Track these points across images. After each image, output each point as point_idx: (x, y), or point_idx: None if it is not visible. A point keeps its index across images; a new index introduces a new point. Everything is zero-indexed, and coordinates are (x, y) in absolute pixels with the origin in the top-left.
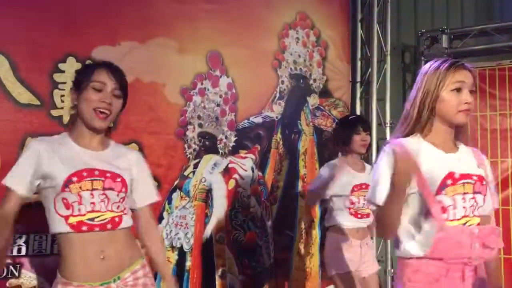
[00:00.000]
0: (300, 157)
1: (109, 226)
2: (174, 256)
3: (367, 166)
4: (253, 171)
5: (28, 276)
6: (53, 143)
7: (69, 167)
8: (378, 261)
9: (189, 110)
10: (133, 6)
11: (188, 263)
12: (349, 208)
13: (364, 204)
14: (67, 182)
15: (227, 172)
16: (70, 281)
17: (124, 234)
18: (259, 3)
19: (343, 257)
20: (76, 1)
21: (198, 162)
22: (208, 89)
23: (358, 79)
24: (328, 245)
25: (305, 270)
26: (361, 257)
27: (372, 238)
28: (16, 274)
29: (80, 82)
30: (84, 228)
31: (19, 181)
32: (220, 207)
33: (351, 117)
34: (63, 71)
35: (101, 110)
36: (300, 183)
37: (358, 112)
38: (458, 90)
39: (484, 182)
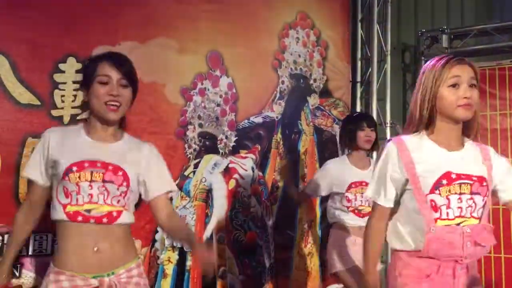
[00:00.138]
0: (300, 157)
1: (104, 220)
2: (175, 256)
3: (373, 163)
4: (253, 171)
5: (29, 276)
6: (66, 132)
7: (72, 157)
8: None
9: (189, 110)
10: (133, 6)
11: (189, 263)
12: (348, 207)
13: (362, 201)
14: (67, 171)
15: (228, 172)
16: (63, 271)
17: (122, 231)
18: (259, 3)
19: (348, 252)
20: (76, 1)
21: (199, 162)
22: (208, 89)
23: (358, 79)
24: (331, 241)
25: (306, 270)
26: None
27: None
28: (17, 274)
29: (87, 78)
30: (79, 218)
31: (34, 171)
32: (220, 207)
33: (355, 114)
34: (63, 71)
35: (111, 103)
36: (300, 183)
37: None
38: (455, 85)
39: (485, 183)
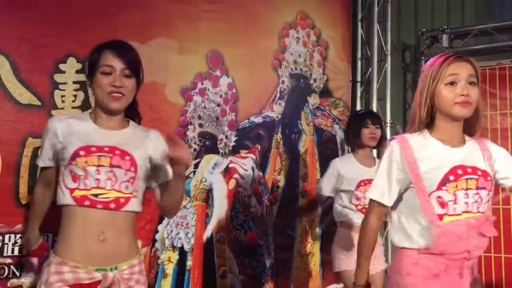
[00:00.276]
0: (300, 156)
1: (112, 205)
2: (175, 256)
3: (377, 162)
4: (253, 171)
5: (29, 276)
6: (72, 118)
7: (79, 141)
8: None
9: (190, 110)
10: (133, 6)
11: (189, 263)
12: (356, 205)
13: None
14: (75, 155)
15: (228, 172)
16: (66, 261)
17: (128, 220)
18: (260, 3)
19: (351, 253)
20: (76, 2)
21: (199, 162)
22: (208, 89)
23: (359, 78)
24: (337, 240)
25: (306, 270)
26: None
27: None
28: (17, 274)
29: (91, 68)
30: (86, 202)
31: (45, 160)
32: (220, 207)
33: (360, 111)
34: (63, 72)
35: (114, 94)
36: (300, 183)
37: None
38: (453, 83)
39: (489, 178)
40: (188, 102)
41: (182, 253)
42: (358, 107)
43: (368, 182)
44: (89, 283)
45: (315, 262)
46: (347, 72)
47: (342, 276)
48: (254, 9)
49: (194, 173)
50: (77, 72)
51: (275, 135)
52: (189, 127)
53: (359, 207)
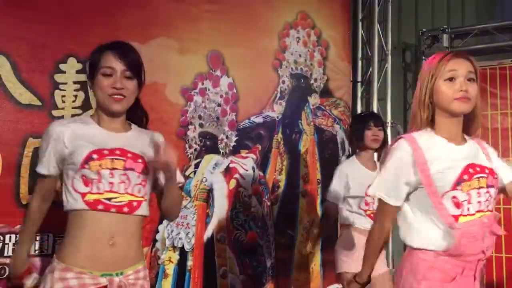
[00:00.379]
0: (301, 156)
1: (125, 209)
2: (175, 256)
3: (378, 164)
4: (254, 171)
5: (30, 276)
6: (75, 122)
7: (90, 145)
8: None
9: (190, 110)
10: (134, 7)
11: (190, 263)
12: (365, 210)
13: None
14: (88, 159)
15: (228, 172)
16: (71, 267)
17: (138, 224)
18: (260, 3)
19: (356, 256)
20: (77, 2)
21: (199, 162)
22: (208, 89)
23: (359, 78)
24: (341, 242)
25: (307, 269)
26: None
27: None
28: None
29: (92, 69)
30: (100, 206)
31: (47, 167)
32: (221, 207)
33: (363, 113)
34: (64, 72)
35: (114, 97)
36: (301, 183)
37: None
38: (451, 79)
39: (496, 176)
40: (189, 102)
41: (183, 253)
42: (359, 107)
43: None
44: None
45: (315, 262)
46: (347, 72)
47: (341, 278)
48: (255, 9)
49: (194, 173)
50: (78, 72)
51: (275, 135)
52: (190, 127)
53: (368, 212)
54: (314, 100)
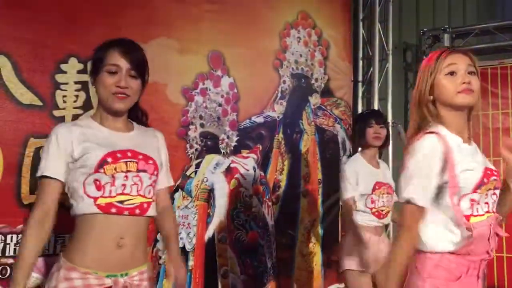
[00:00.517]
0: (302, 156)
1: (137, 211)
2: None
3: (381, 163)
4: (255, 171)
5: (31, 276)
6: (80, 126)
7: (101, 147)
8: None
9: (191, 110)
10: (134, 7)
11: (191, 263)
12: (371, 208)
13: (383, 202)
14: (102, 163)
15: (229, 172)
16: (76, 266)
17: (146, 225)
18: (261, 3)
19: (358, 254)
20: (78, 2)
21: (200, 162)
22: (209, 89)
23: (360, 78)
24: (346, 239)
25: (308, 269)
26: (377, 254)
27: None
28: None
29: (95, 65)
30: (113, 210)
31: (57, 170)
32: (222, 207)
33: (365, 111)
34: (65, 72)
35: (118, 95)
36: (302, 183)
37: (360, 112)
38: (452, 73)
39: (500, 177)
40: (190, 102)
41: (184, 253)
42: (360, 107)
43: (383, 184)
44: None
45: (316, 262)
46: (348, 71)
47: (344, 275)
48: (255, 9)
49: (195, 173)
50: (79, 72)
51: (276, 135)
52: (191, 127)
53: (374, 210)
54: (315, 100)
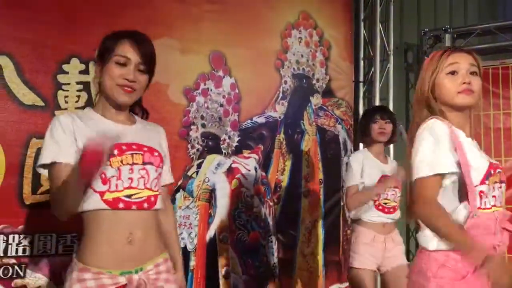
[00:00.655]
0: (303, 156)
1: (145, 205)
2: None
3: (390, 159)
4: (256, 171)
5: (33, 276)
6: (81, 117)
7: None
8: None
9: (192, 111)
10: (135, 7)
11: (192, 263)
12: (374, 201)
13: (388, 194)
14: (108, 156)
15: (230, 172)
16: (89, 267)
17: (155, 218)
18: (262, 3)
19: (362, 252)
20: (79, 2)
21: (202, 162)
22: (211, 90)
23: (361, 78)
24: (352, 237)
25: (309, 269)
26: (384, 253)
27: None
28: (21, 274)
29: (103, 54)
30: (121, 205)
31: (69, 154)
32: (223, 207)
33: (371, 107)
34: (66, 72)
35: (124, 88)
36: (303, 183)
37: (361, 112)
38: (453, 73)
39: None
40: (191, 103)
41: (185, 253)
42: (361, 107)
43: (387, 178)
44: None
45: (318, 262)
46: (349, 72)
47: (349, 272)
48: (256, 9)
49: (197, 173)
50: (80, 72)
51: (277, 135)
52: (192, 127)
53: (377, 203)
54: (316, 100)
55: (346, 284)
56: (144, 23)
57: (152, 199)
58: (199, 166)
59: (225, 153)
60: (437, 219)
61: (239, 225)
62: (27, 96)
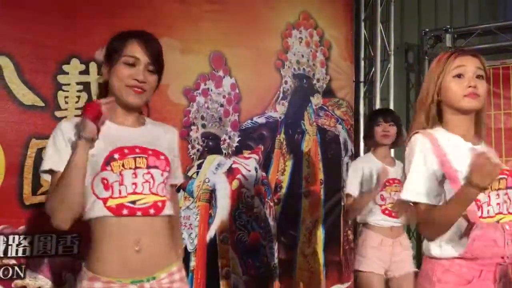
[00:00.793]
0: (303, 157)
1: (151, 211)
2: None
3: (397, 162)
4: (256, 171)
5: (33, 277)
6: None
7: (108, 144)
8: None
9: (193, 111)
10: (136, 7)
11: (192, 264)
12: (381, 205)
13: (394, 199)
14: (109, 160)
15: (231, 173)
16: (99, 276)
17: (165, 224)
18: (262, 3)
19: (370, 255)
20: (79, 2)
21: (202, 163)
22: (211, 90)
23: (362, 78)
24: (358, 240)
25: (309, 270)
26: (391, 257)
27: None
28: (21, 275)
29: (111, 55)
30: (125, 211)
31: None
32: (223, 208)
33: (375, 110)
34: (67, 73)
35: (134, 89)
36: (303, 183)
37: (361, 112)
38: (460, 76)
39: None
40: (191, 103)
41: (186, 253)
42: (361, 107)
43: (393, 181)
44: None
45: (318, 263)
46: (350, 72)
47: (355, 276)
48: (257, 10)
49: (197, 174)
50: (81, 73)
51: (278, 136)
52: (192, 127)
53: (383, 207)
54: (316, 100)
55: (347, 284)
56: (144, 23)
57: (159, 204)
58: (199, 166)
59: (225, 153)
60: (433, 220)
61: (240, 226)
62: (27, 97)
